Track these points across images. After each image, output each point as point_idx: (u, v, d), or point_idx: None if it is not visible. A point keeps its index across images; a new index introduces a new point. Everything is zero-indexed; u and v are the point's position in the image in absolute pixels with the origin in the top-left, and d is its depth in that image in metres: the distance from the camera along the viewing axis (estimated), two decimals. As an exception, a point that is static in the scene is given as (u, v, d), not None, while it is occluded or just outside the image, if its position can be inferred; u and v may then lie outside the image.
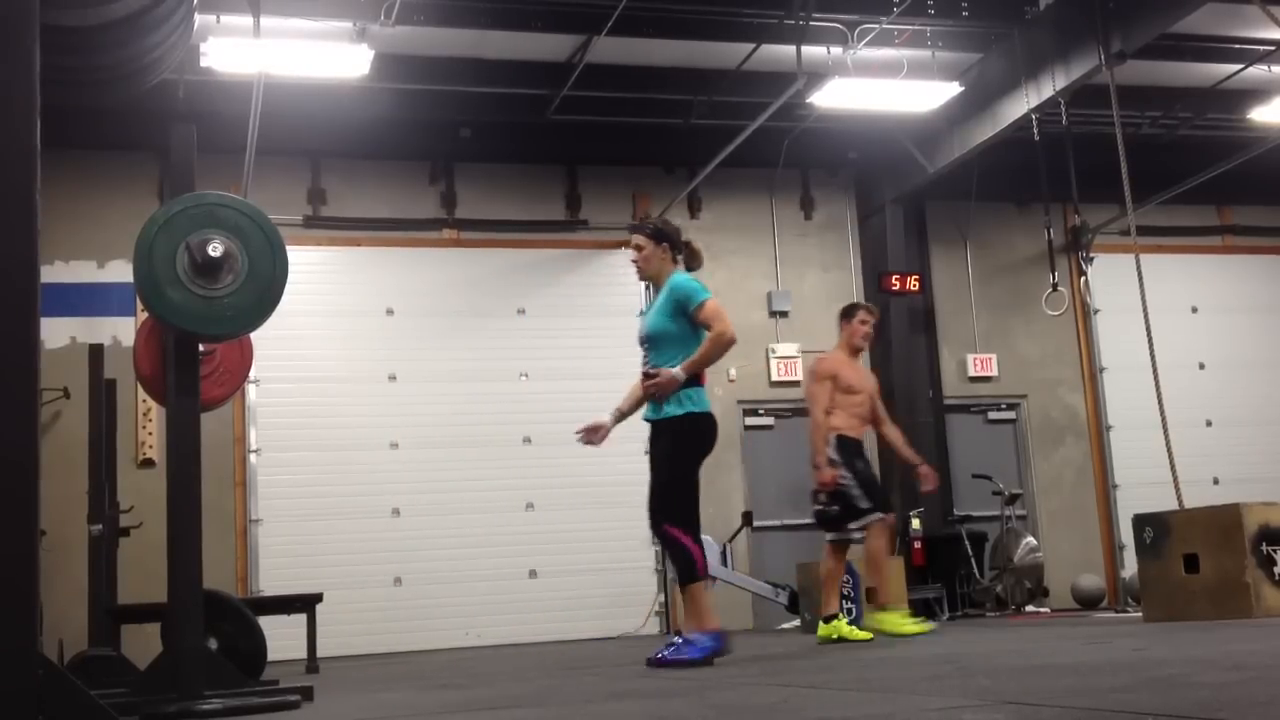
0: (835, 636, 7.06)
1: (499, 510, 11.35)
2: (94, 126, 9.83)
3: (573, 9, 9.82)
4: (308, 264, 10.91)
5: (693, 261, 5.94)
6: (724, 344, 5.62)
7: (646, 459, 5.73)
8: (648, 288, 12.17)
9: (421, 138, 11.47)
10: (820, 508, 7.31)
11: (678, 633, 5.64)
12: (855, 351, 7.75)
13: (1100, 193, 11.69)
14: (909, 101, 10.83)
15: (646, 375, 5.67)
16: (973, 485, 12.15)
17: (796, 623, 10.34)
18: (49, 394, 9.72)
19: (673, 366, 5.60)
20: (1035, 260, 12.96)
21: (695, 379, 5.63)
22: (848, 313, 7.77)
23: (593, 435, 5.82)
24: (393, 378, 11.44)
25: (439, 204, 11.86)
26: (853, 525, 7.31)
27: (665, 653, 5.43)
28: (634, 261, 5.91)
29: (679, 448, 5.60)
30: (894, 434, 7.83)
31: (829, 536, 7.42)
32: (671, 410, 5.59)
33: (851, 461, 7.32)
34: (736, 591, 10.99)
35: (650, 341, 5.75)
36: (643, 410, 5.76)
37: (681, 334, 5.66)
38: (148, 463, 10.46)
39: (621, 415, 5.88)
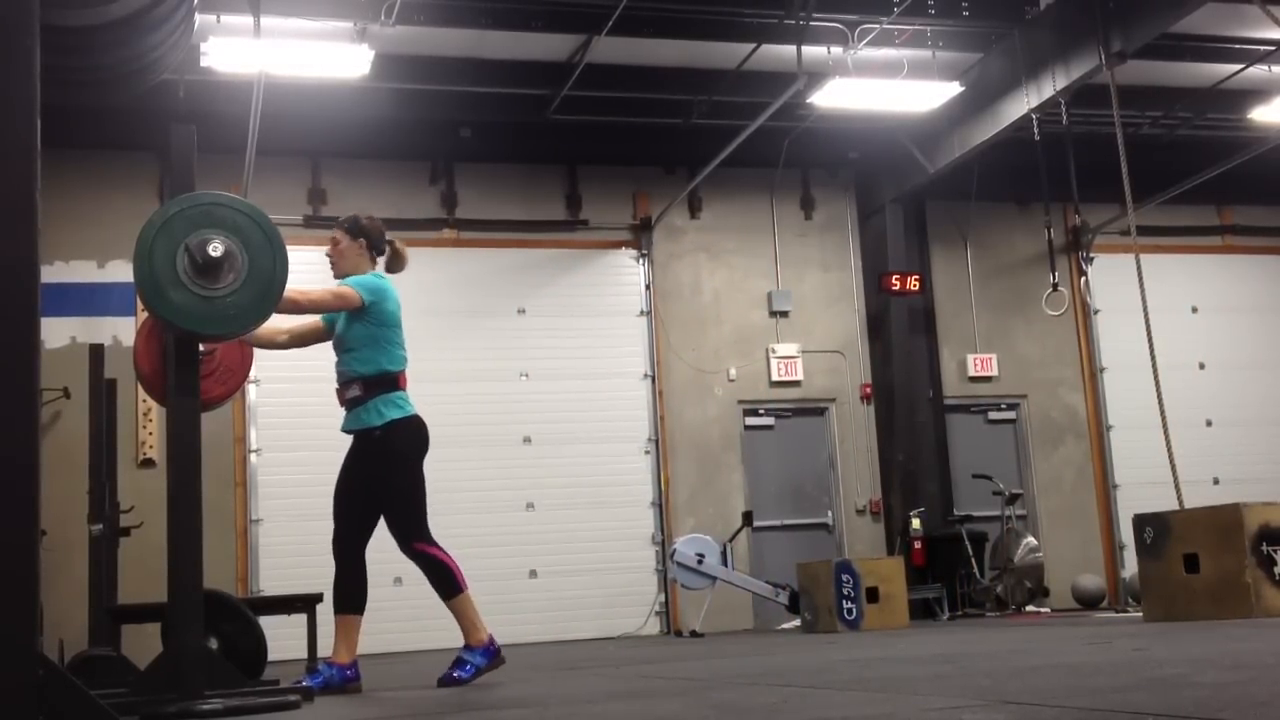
0: None
1: (499, 510, 11.35)
2: (94, 126, 9.84)
3: (573, 9, 9.82)
4: (308, 264, 10.77)
5: (394, 263, 5.63)
6: (323, 297, 5.25)
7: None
8: (648, 288, 12.24)
9: (421, 138, 11.48)
10: None
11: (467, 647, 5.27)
12: None
13: (1100, 193, 11.71)
14: (909, 101, 10.84)
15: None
16: (973, 485, 12.15)
17: (796, 623, 10.33)
18: (49, 394, 9.72)
19: (359, 371, 5.31)
20: (1035, 260, 12.97)
21: (393, 384, 5.35)
22: None
23: None
24: (393, 378, 11.42)
25: (439, 204, 11.86)
26: None
27: (456, 672, 5.17)
28: (328, 255, 5.56)
29: (393, 462, 5.28)
30: None
31: None
32: (371, 421, 5.28)
33: None
34: (737, 591, 10.98)
35: (337, 346, 5.44)
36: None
37: (365, 335, 5.35)
38: (148, 463, 10.46)
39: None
